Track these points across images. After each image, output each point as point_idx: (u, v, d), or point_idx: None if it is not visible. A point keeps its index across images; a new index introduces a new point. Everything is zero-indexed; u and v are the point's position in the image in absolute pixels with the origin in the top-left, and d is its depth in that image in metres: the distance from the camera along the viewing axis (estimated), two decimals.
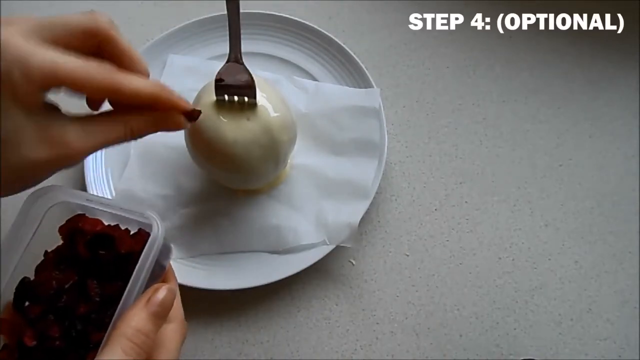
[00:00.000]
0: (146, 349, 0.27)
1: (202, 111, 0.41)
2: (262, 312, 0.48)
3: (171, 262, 0.47)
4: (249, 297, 0.47)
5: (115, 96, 0.29)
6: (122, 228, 0.33)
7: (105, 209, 0.31)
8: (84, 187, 0.49)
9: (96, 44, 0.29)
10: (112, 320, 0.28)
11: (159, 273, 0.33)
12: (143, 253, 0.29)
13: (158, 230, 0.29)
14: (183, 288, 0.45)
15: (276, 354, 0.46)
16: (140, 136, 0.30)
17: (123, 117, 0.29)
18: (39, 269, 0.32)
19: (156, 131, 0.31)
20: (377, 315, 0.47)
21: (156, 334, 0.28)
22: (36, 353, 0.29)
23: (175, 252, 0.48)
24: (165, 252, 0.32)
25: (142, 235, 0.32)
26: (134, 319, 0.27)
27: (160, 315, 0.28)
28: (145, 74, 0.31)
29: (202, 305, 0.47)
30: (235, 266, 0.47)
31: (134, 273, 0.29)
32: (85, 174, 0.49)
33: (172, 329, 0.31)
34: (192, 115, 0.32)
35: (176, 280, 0.35)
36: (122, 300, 0.28)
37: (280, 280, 0.46)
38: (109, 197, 0.49)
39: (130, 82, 0.28)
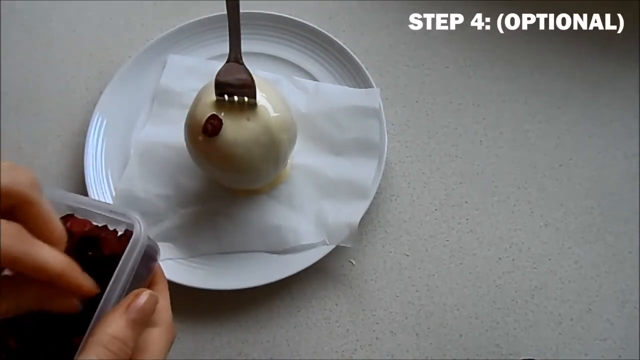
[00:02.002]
0: (123, 356, 0.26)
1: (202, 111, 0.42)
2: (262, 312, 0.48)
3: (171, 262, 0.47)
4: (249, 297, 0.47)
5: (19, 266, 0.25)
6: (111, 229, 0.32)
7: (89, 209, 0.30)
8: (84, 187, 0.49)
9: (10, 205, 0.25)
10: (90, 326, 0.27)
11: (146, 275, 0.32)
12: (123, 257, 0.28)
13: (140, 232, 0.29)
14: (183, 288, 0.45)
15: (276, 354, 0.46)
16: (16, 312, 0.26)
17: (14, 289, 0.26)
18: None
19: (38, 308, 0.27)
20: (377, 315, 0.47)
21: (135, 341, 0.27)
22: (18, 355, 0.29)
23: (175, 252, 0.48)
24: (151, 253, 0.32)
25: (128, 237, 0.32)
26: (111, 326, 0.26)
27: (140, 322, 0.28)
28: (61, 243, 0.27)
29: (202, 305, 0.47)
30: (235, 266, 0.47)
31: (113, 277, 0.28)
32: (85, 174, 0.49)
33: (158, 333, 0.30)
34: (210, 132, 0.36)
35: (166, 282, 0.34)
36: (100, 305, 0.27)
37: (280, 280, 0.46)
38: (110, 197, 0.49)
39: (40, 252, 0.25)
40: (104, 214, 0.30)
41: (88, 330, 0.27)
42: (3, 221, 0.24)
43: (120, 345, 0.26)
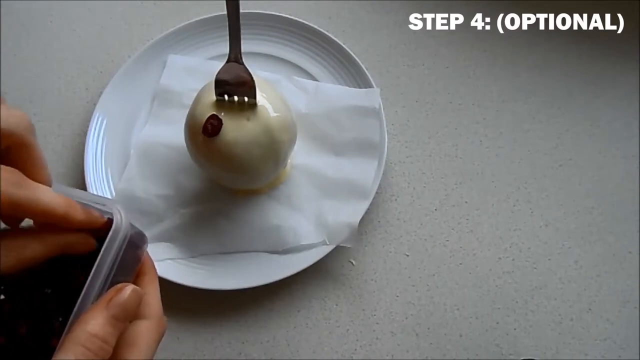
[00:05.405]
0: (103, 355, 0.25)
1: (202, 111, 0.42)
2: (262, 312, 0.48)
3: (171, 262, 0.47)
4: (249, 297, 0.47)
5: (23, 210, 0.25)
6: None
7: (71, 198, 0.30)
8: (84, 187, 0.49)
9: (6, 146, 0.26)
10: (68, 323, 0.26)
11: (133, 264, 0.31)
12: (103, 249, 0.27)
13: (121, 222, 0.27)
14: (183, 288, 0.45)
15: (276, 354, 0.46)
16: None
17: (40, 235, 0.27)
18: None
19: (68, 252, 0.28)
20: (377, 315, 0.47)
21: (116, 338, 0.26)
22: (4, 351, 0.27)
23: (175, 252, 0.48)
24: (136, 241, 0.30)
25: (110, 226, 0.30)
26: (90, 323, 0.25)
27: (122, 318, 0.26)
28: (49, 184, 0.28)
29: (202, 305, 0.47)
30: (235, 266, 0.47)
31: (92, 271, 0.26)
32: (85, 174, 0.49)
33: (147, 327, 0.28)
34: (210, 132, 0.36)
35: (155, 273, 0.32)
36: (79, 301, 0.26)
37: (280, 280, 0.46)
38: (110, 197, 0.49)
39: (43, 196, 0.25)
40: (86, 203, 0.29)
41: (67, 327, 0.25)
42: (2, 167, 0.24)
43: (99, 344, 0.25)
